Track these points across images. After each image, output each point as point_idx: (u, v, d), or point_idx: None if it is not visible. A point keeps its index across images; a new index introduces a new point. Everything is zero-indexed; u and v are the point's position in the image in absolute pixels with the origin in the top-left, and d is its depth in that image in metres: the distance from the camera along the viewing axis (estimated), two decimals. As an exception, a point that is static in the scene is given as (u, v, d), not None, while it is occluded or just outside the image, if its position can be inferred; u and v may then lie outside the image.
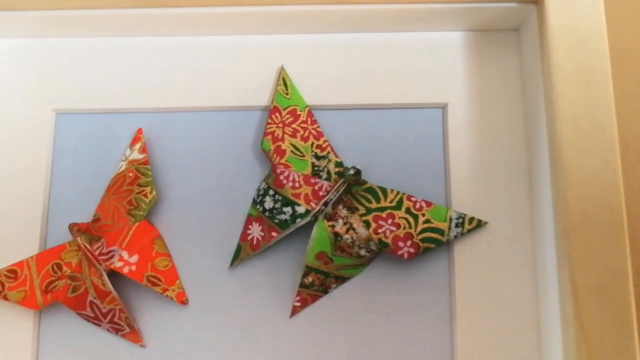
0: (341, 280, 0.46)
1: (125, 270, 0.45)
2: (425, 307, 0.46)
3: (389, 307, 0.46)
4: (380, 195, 0.46)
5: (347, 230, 0.44)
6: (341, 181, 0.45)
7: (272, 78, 0.49)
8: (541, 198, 0.44)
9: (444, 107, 0.49)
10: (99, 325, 0.46)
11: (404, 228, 0.45)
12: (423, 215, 0.45)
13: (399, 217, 0.45)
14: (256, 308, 0.46)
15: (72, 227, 0.45)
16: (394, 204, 0.46)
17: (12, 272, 0.46)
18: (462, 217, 0.45)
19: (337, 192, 0.45)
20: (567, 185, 0.39)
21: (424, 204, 0.46)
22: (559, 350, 0.40)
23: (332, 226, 0.44)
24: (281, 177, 0.46)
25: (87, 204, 0.48)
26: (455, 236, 0.45)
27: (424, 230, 0.45)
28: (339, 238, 0.44)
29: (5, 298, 0.45)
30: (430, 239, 0.45)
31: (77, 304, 0.45)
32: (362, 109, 0.49)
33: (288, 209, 0.45)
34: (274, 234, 0.45)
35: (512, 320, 0.44)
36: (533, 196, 0.46)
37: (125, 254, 0.45)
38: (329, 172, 0.47)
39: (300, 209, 0.44)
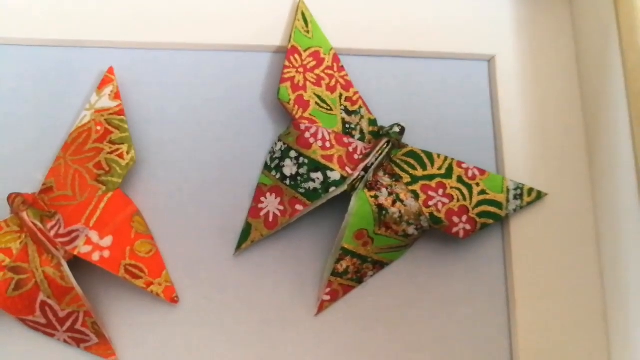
0: (379, 266, 0.36)
1: (95, 257, 0.32)
2: (477, 297, 0.38)
3: (434, 298, 0.37)
4: (426, 160, 0.37)
5: (394, 203, 0.35)
6: (384, 141, 0.35)
7: (285, 15, 0.39)
8: (603, 168, 0.37)
9: (490, 60, 0.41)
10: (52, 336, 0.34)
11: (458, 200, 0.36)
12: (477, 185, 0.37)
13: (451, 187, 0.37)
14: (271, 305, 0.36)
15: (12, 198, 0.32)
16: (443, 171, 0.37)
17: None
18: (519, 187, 0.38)
19: (379, 154, 0.35)
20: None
21: (477, 172, 0.38)
22: (629, 337, 0.34)
23: (376, 197, 0.35)
24: (307, 135, 0.35)
25: (29, 167, 0.35)
26: (514, 210, 0.37)
27: (480, 203, 0.37)
28: (384, 212, 0.35)
29: None
30: (488, 214, 0.37)
31: (21, 306, 0.32)
32: (396, 57, 0.40)
33: (318, 175, 0.35)
34: (298, 207, 0.35)
35: (576, 308, 0.37)
36: (593, 165, 0.39)
37: (94, 235, 0.33)
38: (362, 131, 0.37)
39: (334, 175, 0.34)
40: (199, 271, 0.35)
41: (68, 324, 0.33)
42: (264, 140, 0.37)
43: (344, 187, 0.35)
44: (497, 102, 0.40)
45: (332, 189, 0.34)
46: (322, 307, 0.36)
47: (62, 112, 0.36)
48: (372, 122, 0.38)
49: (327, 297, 0.36)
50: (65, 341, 0.33)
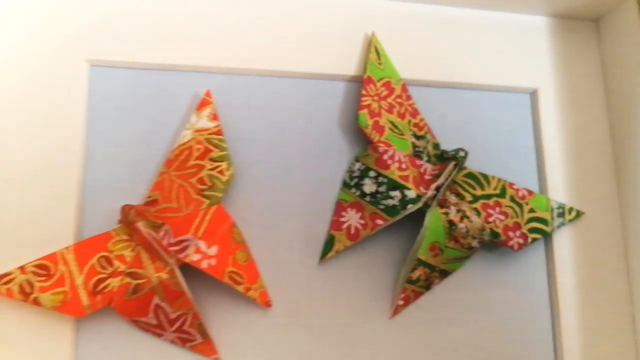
0: (444, 275, 0.41)
1: (204, 264, 0.36)
2: (524, 302, 0.43)
3: (488, 304, 0.42)
4: (483, 181, 0.42)
5: (462, 219, 0.40)
6: (452, 163, 0.40)
7: (358, 47, 0.43)
8: (630, 189, 0.43)
9: (532, 93, 0.46)
10: (160, 336, 0.37)
11: (512, 217, 0.41)
12: (527, 204, 0.42)
13: (505, 206, 0.42)
14: (351, 309, 0.40)
15: (127, 209, 0.35)
16: (498, 191, 0.42)
17: (43, 268, 0.35)
18: (562, 207, 0.43)
19: (448, 176, 0.40)
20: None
21: (525, 193, 0.43)
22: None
23: (446, 214, 0.40)
24: (385, 157, 0.40)
25: (131, 181, 0.38)
26: (558, 226, 0.43)
27: (530, 220, 0.42)
28: (453, 227, 0.39)
29: (36, 302, 0.34)
30: (537, 230, 0.42)
31: (137, 308, 0.35)
32: (450, 88, 0.45)
33: (396, 194, 0.39)
34: (379, 221, 0.39)
35: (608, 315, 0.43)
36: (621, 186, 0.45)
37: (202, 245, 0.36)
38: (428, 154, 0.42)
39: (411, 194, 0.39)
40: (287, 278, 0.39)
41: (177, 324, 0.36)
42: (340, 161, 0.41)
43: (419, 205, 0.39)
44: (540, 131, 0.45)
45: (410, 206, 0.39)
46: (396, 311, 0.40)
47: (160, 131, 0.39)
48: (436, 146, 0.43)
49: (401, 302, 0.40)
50: (172, 341, 0.37)
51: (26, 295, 0.34)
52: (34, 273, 0.34)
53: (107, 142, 0.38)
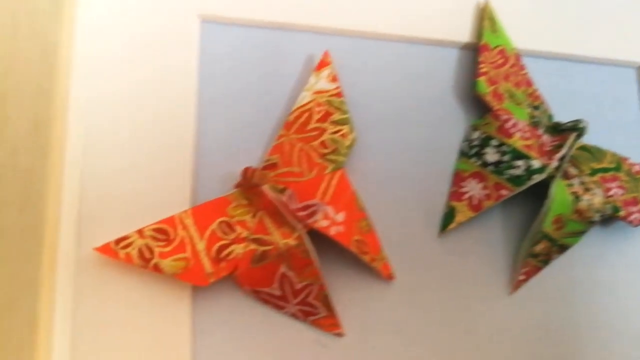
0: (562, 249, 0.39)
1: (332, 231, 0.34)
2: (636, 279, 0.41)
3: (599, 281, 0.40)
4: (597, 154, 0.41)
5: (585, 191, 0.38)
6: (574, 134, 0.38)
7: (469, 15, 0.41)
8: None
9: (639, 67, 0.45)
10: (281, 309, 0.34)
11: (630, 192, 0.40)
12: (642, 178, 0.41)
13: (622, 180, 0.40)
14: (470, 284, 0.38)
15: (250, 172, 0.33)
16: (614, 165, 0.41)
17: (162, 232, 0.32)
18: (675, 183, 0.42)
19: (570, 147, 0.38)
20: None
21: (639, 167, 0.41)
22: None
23: (570, 185, 0.38)
24: (507, 125, 0.38)
25: (245, 144, 0.36)
26: (673, 203, 0.41)
27: (647, 196, 0.40)
28: (578, 199, 0.38)
29: (157, 269, 0.31)
30: (654, 205, 0.40)
31: (261, 277, 0.33)
32: (559, 60, 0.43)
33: (521, 163, 0.37)
34: (503, 192, 0.37)
35: None
36: None
37: (330, 210, 0.34)
38: (544, 125, 0.40)
39: (536, 164, 0.37)
40: (405, 250, 0.37)
41: (302, 296, 0.34)
42: (454, 129, 0.40)
43: (544, 175, 0.37)
44: (647, 106, 0.44)
45: (535, 176, 0.37)
46: (517, 286, 0.38)
47: (273, 92, 0.37)
48: (550, 117, 0.41)
49: (523, 277, 0.38)
50: (293, 314, 0.34)
51: (146, 260, 0.31)
52: (153, 237, 0.32)
53: (219, 103, 0.36)
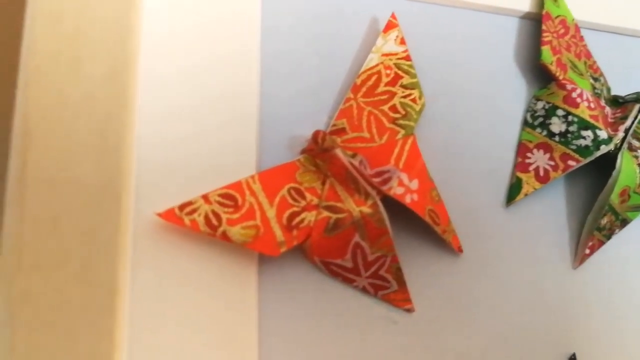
0: (624, 224, 0.38)
1: (407, 199, 0.32)
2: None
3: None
4: (657, 129, 0.40)
5: (650, 163, 0.37)
6: (638, 106, 0.38)
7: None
8: None
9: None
10: (351, 282, 0.32)
11: (688, 167, 0.39)
12: (700, 154, 0.40)
13: (681, 155, 0.39)
14: (536, 257, 0.36)
15: (322, 135, 0.31)
16: (673, 139, 0.40)
17: (229, 198, 0.29)
18: None
19: (634, 118, 0.37)
20: None
21: (696, 143, 0.41)
22: None
23: (637, 157, 0.37)
24: (574, 95, 0.37)
25: (309, 108, 0.34)
26: None
27: None
28: (644, 171, 0.37)
29: (225, 237, 0.28)
30: None
31: (335, 247, 0.31)
32: (612, 33, 0.43)
33: (588, 133, 0.36)
34: (571, 162, 0.36)
35: None
36: None
37: (404, 177, 0.32)
38: (605, 98, 0.39)
39: (603, 134, 0.36)
40: (472, 222, 0.35)
41: (373, 268, 0.32)
42: (517, 99, 0.38)
43: (611, 147, 0.36)
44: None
45: (602, 147, 0.36)
46: (582, 260, 0.37)
47: (338, 54, 0.35)
48: (609, 90, 0.40)
49: (588, 251, 0.37)
50: (363, 288, 0.32)
51: (214, 228, 0.28)
52: (220, 203, 0.29)
53: (282, 66, 0.34)
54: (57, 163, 0.21)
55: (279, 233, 0.30)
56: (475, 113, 0.37)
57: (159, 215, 0.28)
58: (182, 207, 0.29)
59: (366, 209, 0.31)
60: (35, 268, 0.20)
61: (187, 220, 0.28)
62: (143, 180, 0.29)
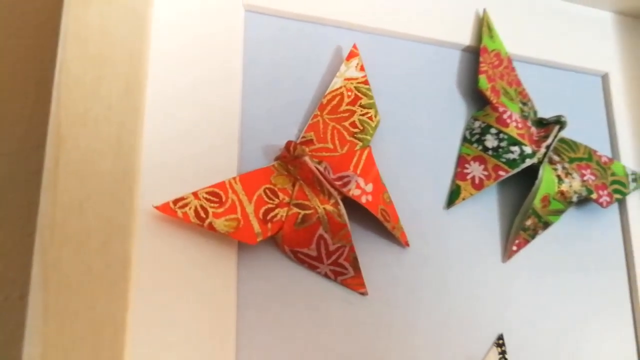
0: (546, 226, 0.46)
1: (363, 199, 0.38)
2: (604, 253, 0.48)
3: (575, 253, 0.47)
4: (573, 146, 0.48)
5: (566, 175, 0.45)
6: (557, 127, 0.45)
7: (470, 21, 0.47)
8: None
9: (603, 76, 0.53)
10: (315, 269, 0.38)
11: (600, 178, 0.47)
12: (609, 168, 0.48)
13: (594, 168, 0.47)
14: (471, 252, 0.43)
15: (294, 146, 0.37)
16: (586, 155, 0.48)
17: (215, 195, 0.35)
18: (635, 173, 0.49)
19: (554, 137, 0.45)
20: None
21: (606, 159, 0.49)
22: None
23: (555, 169, 0.44)
24: (505, 116, 0.44)
25: (283, 123, 0.40)
26: (632, 190, 0.49)
27: (613, 182, 0.48)
28: (561, 181, 0.44)
29: (211, 227, 0.34)
30: (619, 191, 0.48)
31: (302, 238, 0.37)
32: (538, 65, 0.50)
33: (516, 149, 0.43)
34: (501, 172, 0.43)
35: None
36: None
37: (361, 181, 0.38)
38: (531, 119, 0.47)
39: (528, 150, 0.43)
40: (418, 221, 0.42)
41: (334, 257, 0.38)
42: (458, 119, 0.45)
43: (535, 160, 0.44)
44: (611, 109, 0.51)
45: (527, 160, 0.43)
46: (510, 255, 0.44)
47: (307, 77, 0.41)
48: (535, 113, 0.48)
49: (515, 248, 0.44)
50: (325, 274, 0.38)
51: (202, 219, 0.34)
52: (207, 199, 0.35)
53: (261, 86, 0.40)
54: (82, 160, 0.27)
55: (256, 225, 0.36)
56: (422, 130, 0.44)
57: (156, 207, 0.34)
58: (175, 202, 0.34)
59: (329, 207, 0.37)
60: (64, 242, 0.26)
61: (179, 212, 0.34)
62: (148, 178, 0.34)
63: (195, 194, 0.35)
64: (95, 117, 0.27)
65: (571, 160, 0.46)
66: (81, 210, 0.26)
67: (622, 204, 0.50)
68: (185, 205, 0.34)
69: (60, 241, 0.26)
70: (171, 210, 0.34)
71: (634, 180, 0.49)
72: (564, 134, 0.48)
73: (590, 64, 0.52)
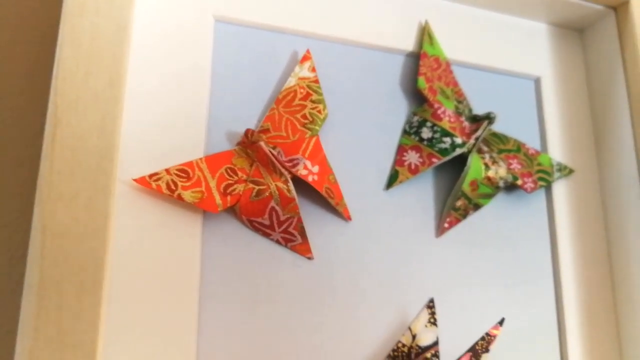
0: (477, 207, 0.53)
1: (310, 179, 0.46)
2: (530, 233, 0.55)
3: (501, 233, 0.54)
4: (504, 140, 0.55)
5: (493, 163, 0.52)
6: (487, 121, 0.52)
7: (414, 28, 0.55)
8: (605, 153, 0.58)
9: (536, 79, 0.60)
10: (268, 236, 0.46)
11: (525, 167, 0.54)
12: (535, 159, 0.55)
13: (521, 159, 0.54)
14: (408, 227, 0.50)
15: (251, 133, 0.45)
16: (515, 147, 0.55)
17: (183, 172, 0.43)
18: (560, 164, 0.57)
19: (484, 130, 0.52)
20: None
21: (534, 151, 0.56)
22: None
23: (483, 158, 0.52)
24: (439, 112, 0.52)
25: (246, 115, 0.48)
26: (557, 178, 0.56)
27: (538, 171, 0.55)
28: (487, 168, 0.52)
29: (180, 198, 0.42)
30: (543, 179, 0.55)
31: (256, 209, 0.44)
32: (475, 68, 0.58)
33: (447, 139, 0.51)
34: (434, 160, 0.50)
35: (590, 245, 0.56)
36: (599, 151, 0.59)
37: (308, 163, 0.46)
38: (465, 115, 0.54)
39: (458, 140, 0.51)
40: (361, 200, 0.49)
41: (284, 226, 0.45)
42: (400, 114, 0.53)
43: (464, 149, 0.51)
44: (542, 110, 0.59)
45: (457, 149, 0.51)
46: (442, 231, 0.51)
47: (268, 76, 0.49)
48: (470, 110, 0.55)
49: (447, 225, 0.51)
50: (277, 240, 0.46)
51: (172, 191, 0.42)
52: (177, 175, 0.43)
53: (227, 84, 0.47)
54: (73, 136, 0.35)
55: (217, 197, 0.43)
56: (368, 124, 0.51)
57: (135, 180, 0.42)
58: (151, 176, 0.42)
59: (280, 184, 0.45)
60: (58, 198, 0.34)
61: (154, 184, 0.42)
62: (129, 156, 0.42)
63: (167, 170, 0.43)
64: (85, 103, 0.35)
65: (500, 151, 0.54)
66: (72, 176, 0.34)
67: (548, 190, 0.57)
68: (159, 179, 0.42)
69: (55, 197, 0.34)
70: (147, 183, 0.42)
71: (559, 170, 0.56)
72: (499, 129, 0.55)
73: (525, 69, 0.59)
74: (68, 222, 0.33)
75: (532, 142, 0.58)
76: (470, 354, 0.48)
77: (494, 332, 0.49)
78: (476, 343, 0.48)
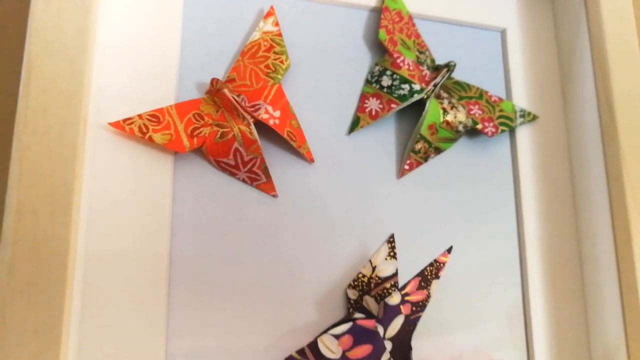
0: (438, 151, 0.56)
1: (271, 122, 0.50)
2: (495, 175, 0.58)
3: (463, 175, 0.57)
4: (466, 87, 0.58)
5: (452, 108, 0.55)
6: (445, 69, 0.55)
7: (377, -15, 0.58)
8: (571, 99, 0.60)
9: (502, 31, 0.62)
10: (234, 175, 0.50)
11: (487, 113, 0.57)
12: (497, 106, 0.58)
13: (482, 105, 0.57)
14: (369, 169, 0.54)
15: (216, 81, 0.49)
16: (477, 95, 0.58)
17: (154, 117, 0.48)
18: (523, 110, 0.59)
19: (443, 77, 0.55)
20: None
21: (496, 98, 0.58)
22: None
23: (441, 103, 0.55)
24: (398, 61, 0.55)
25: (215, 67, 0.52)
26: (520, 124, 0.58)
27: (500, 117, 0.57)
28: (446, 112, 0.55)
29: (151, 140, 0.47)
30: (505, 124, 0.57)
31: (221, 150, 0.49)
32: (438, 22, 0.60)
33: (406, 86, 0.54)
34: (393, 105, 0.54)
35: (556, 186, 0.59)
36: (566, 97, 0.61)
37: (270, 108, 0.50)
38: (427, 65, 0.57)
39: (416, 87, 0.54)
40: (324, 144, 0.53)
41: (249, 166, 0.49)
42: (363, 64, 0.56)
43: (422, 95, 0.54)
44: (507, 60, 0.61)
45: (415, 95, 0.54)
46: (403, 173, 0.55)
47: (236, 30, 0.53)
48: (432, 60, 0.58)
49: (407, 167, 0.55)
50: (243, 179, 0.50)
51: (143, 134, 0.47)
52: (149, 120, 0.47)
53: (199, 37, 0.52)
54: (46, 79, 0.40)
55: (185, 139, 0.48)
56: (332, 75, 0.55)
57: (110, 124, 0.46)
58: (125, 120, 0.47)
59: (243, 127, 0.49)
60: (32, 133, 0.39)
61: (127, 128, 0.47)
62: (105, 103, 0.47)
63: (139, 116, 0.47)
64: (56, 50, 0.40)
65: (461, 98, 0.56)
66: (45, 113, 0.39)
67: (512, 135, 0.59)
68: (132, 123, 0.47)
69: (30, 132, 0.39)
70: (121, 127, 0.47)
71: (522, 116, 0.58)
72: (465, 80, 0.58)
73: (491, 21, 0.62)
74: (42, 153, 0.39)
75: (497, 92, 0.60)
76: (419, 278, 0.51)
77: (443, 259, 0.52)
78: (425, 269, 0.52)
